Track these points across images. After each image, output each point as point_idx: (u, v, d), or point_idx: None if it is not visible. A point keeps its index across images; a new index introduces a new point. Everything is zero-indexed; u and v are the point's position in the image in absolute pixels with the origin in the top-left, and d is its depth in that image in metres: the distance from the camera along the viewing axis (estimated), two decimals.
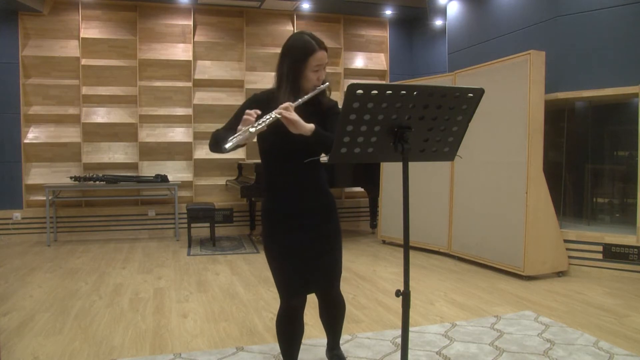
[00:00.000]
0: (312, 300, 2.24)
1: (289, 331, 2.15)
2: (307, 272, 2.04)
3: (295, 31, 6.87)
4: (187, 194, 6.64)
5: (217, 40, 6.77)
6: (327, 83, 2.00)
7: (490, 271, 4.52)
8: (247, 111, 1.85)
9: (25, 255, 5.33)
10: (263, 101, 2.01)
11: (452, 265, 4.79)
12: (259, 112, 1.85)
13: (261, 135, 1.90)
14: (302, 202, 2.04)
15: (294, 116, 1.83)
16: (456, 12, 6.04)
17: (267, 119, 1.82)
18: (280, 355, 2.58)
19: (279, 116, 1.82)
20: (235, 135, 1.81)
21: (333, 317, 2.29)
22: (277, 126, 1.87)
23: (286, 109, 1.83)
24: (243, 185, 5.61)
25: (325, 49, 1.97)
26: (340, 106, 1.96)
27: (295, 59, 1.94)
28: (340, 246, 2.15)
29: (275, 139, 1.98)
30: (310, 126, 1.85)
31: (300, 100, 1.90)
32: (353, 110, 1.52)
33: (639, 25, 4.22)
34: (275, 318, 3.23)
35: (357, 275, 4.40)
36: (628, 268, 4.17)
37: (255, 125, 1.81)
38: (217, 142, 1.93)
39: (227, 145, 1.79)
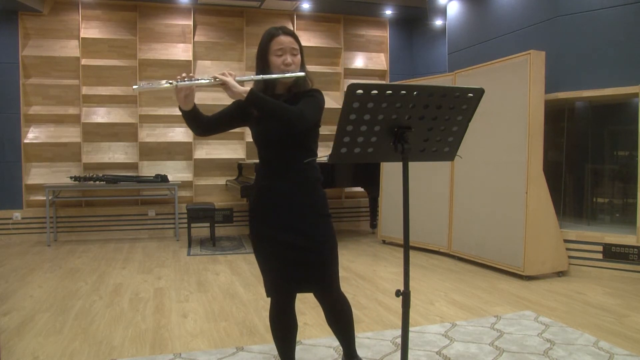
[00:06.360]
0: (313, 299, 2.23)
1: (278, 327, 2.13)
2: (291, 271, 1.97)
3: (295, 31, 6.94)
4: (187, 194, 6.63)
5: (217, 40, 6.77)
6: (303, 73, 1.97)
7: (490, 271, 4.52)
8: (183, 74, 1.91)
9: (25, 255, 5.33)
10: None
11: (452, 265, 4.79)
12: (192, 75, 1.93)
13: (251, 125, 2.04)
14: (285, 198, 1.98)
15: (226, 78, 1.86)
16: (456, 12, 6.04)
17: (197, 79, 1.87)
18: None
19: (209, 78, 1.86)
20: (153, 81, 1.85)
21: (335, 321, 2.15)
22: (260, 118, 1.96)
23: (222, 73, 1.88)
24: (243, 185, 5.61)
25: (289, 34, 1.99)
26: (318, 94, 1.98)
27: (261, 46, 2.02)
28: (332, 245, 2.02)
29: (257, 128, 2.03)
30: (245, 89, 1.85)
31: (251, 76, 1.96)
32: (353, 110, 1.52)
33: (639, 25, 4.21)
34: None
35: (357, 275, 4.40)
36: (628, 268, 4.17)
37: (179, 81, 1.85)
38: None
39: (135, 86, 1.87)
